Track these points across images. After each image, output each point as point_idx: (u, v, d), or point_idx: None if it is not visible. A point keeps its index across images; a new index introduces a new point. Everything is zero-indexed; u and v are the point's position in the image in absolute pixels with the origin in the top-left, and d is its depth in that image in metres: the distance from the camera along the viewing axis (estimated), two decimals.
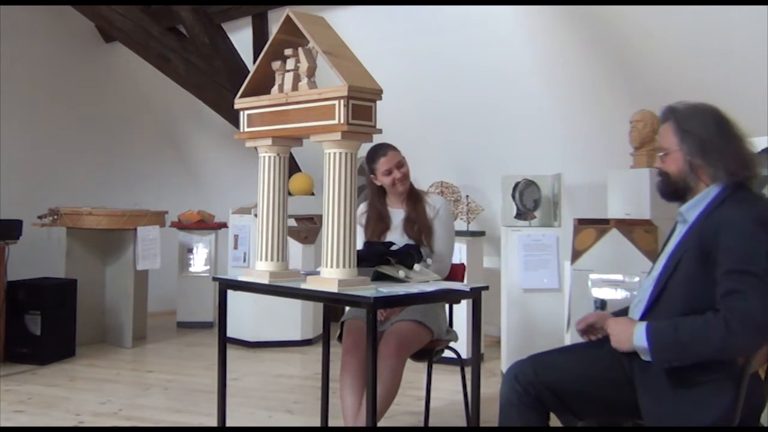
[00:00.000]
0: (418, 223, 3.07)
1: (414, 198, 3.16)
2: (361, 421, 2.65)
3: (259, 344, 5.24)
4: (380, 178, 3.12)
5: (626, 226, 3.48)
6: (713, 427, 1.94)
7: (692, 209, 2.05)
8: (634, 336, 1.95)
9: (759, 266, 1.84)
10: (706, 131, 2.02)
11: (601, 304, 3.38)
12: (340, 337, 2.98)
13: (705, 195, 2.03)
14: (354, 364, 2.78)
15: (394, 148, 3.13)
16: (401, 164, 3.11)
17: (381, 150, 3.11)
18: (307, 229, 5.43)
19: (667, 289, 2.01)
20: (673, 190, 2.09)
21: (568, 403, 2.08)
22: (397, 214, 3.15)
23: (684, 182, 2.06)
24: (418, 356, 2.97)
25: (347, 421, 2.75)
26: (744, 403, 1.91)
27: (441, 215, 3.13)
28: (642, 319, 2.05)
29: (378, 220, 3.12)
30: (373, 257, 2.62)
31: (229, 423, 2.87)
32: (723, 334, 1.82)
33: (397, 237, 3.04)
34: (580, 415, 2.14)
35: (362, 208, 3.23)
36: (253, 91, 2.63)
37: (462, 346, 4.18)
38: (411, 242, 2.96)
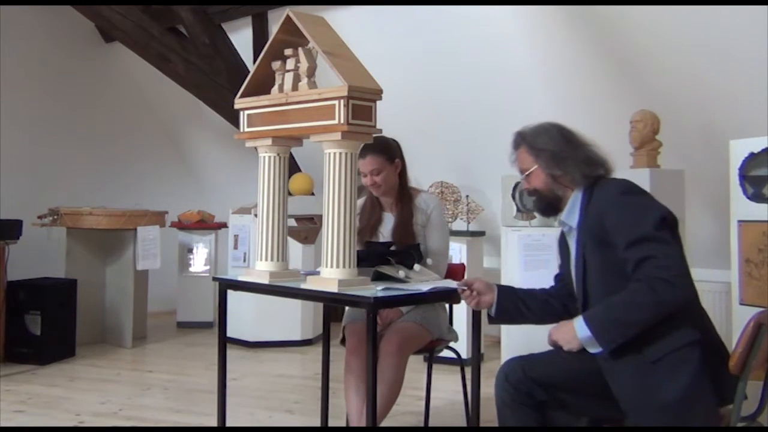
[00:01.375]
0: (405, 233, 2.97)
1: (403, 203, 3.05)
2: (365, 422, 2.65)
3: (259, 344, 5.25)
4: (362, 179, 3.02)
5: None
6: (712, 427, 1.95)
7: (571, 214, 2.24)
8: (576, 331, 2.05)
9: (646, 229, 1.99)
10: (555, 144, 2.25)
11: None
12: (342, 341, 2.98)
13: (575, 199, 2.23)
14: (358, 365, 2.77)
15: (377, 151, 2.94)
16: (377, 171, 2.97)
17: (362, 151, 2.89)
18: (307, 229, 5.43)
19: (588, 290, 2.16)
20: (547, 203, 2.30)
21: (559, 398, 2.15)
22: (388, 219, 3.09)
23: (553, 194, 2.27)
24: (417, 351, 2.95)
25: (352, 421, 2.75)
26: (710, 375, 1.95)
27: (433, 218, 3.04)
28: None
29: (367, 227, 3.06)
30: (373, 257, 2.62)
31: (229, 423, 2.87)
32: (650, 297, 1.94)
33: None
34: (573, 410, 2.19)
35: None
36: (253, 91, 2.62)
37: (462, 346, 4.17)
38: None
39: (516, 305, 2.37)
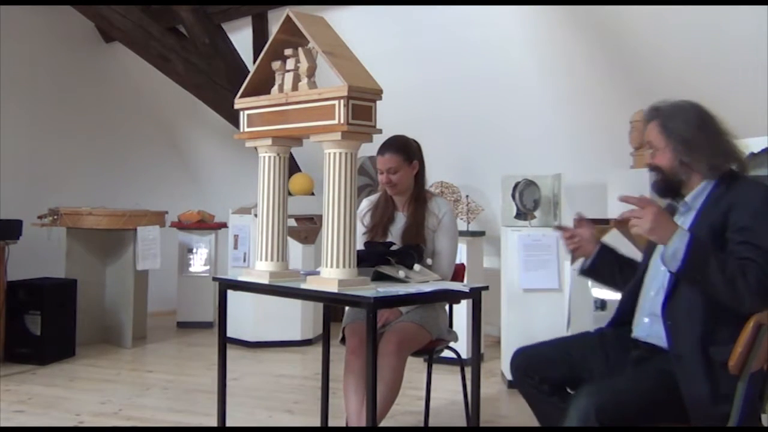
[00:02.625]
0: (416, 235, 2.97)
1: (417, 204, 3.06)
2: (365, 422, 2.65)
3: (259, 344, 5.25)
4: (378, 175, 3.09)
5: (626, 226, 3.47)
6: (711, 427, 1.95)
7: (697, 198, 2.16)
8: (676, 234, 1.97)
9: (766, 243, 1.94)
10: (690, 130, 2.13)
11: (602, 305, 3.38)
12: (342, 341, 2.98)
13: (703, 187, 2.15)
14: (358, 365, 2.77)
15: (396, 150, 3.00)
16: (394, 170, 2.99)
17: (382, 148, 3.02)
18: (307, 229, 5.43)
19: None
20: (668, 185, 2.20)
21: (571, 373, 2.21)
22: (400, 218, 3.10)
23: (677, 177, 2.17)
24: (416, 352, 2.95)
25: (351, 422, 2.75)
26: (744, 402, 1.92)
27: (444, 224, 3.04)
28: (664, 308, 2.10)
29: (378, 225, 3.07)
30: (373, 257, 2.62)
31: (229, 423, 2.87)
32: (743, 293, 1.90)
33: (395, 243, 3.02)
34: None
35: (364, 204, 3.19)
36: (253, 91, 2.62)
37: (462, 346, 4.18)
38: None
39: (611, 269, 2.40)
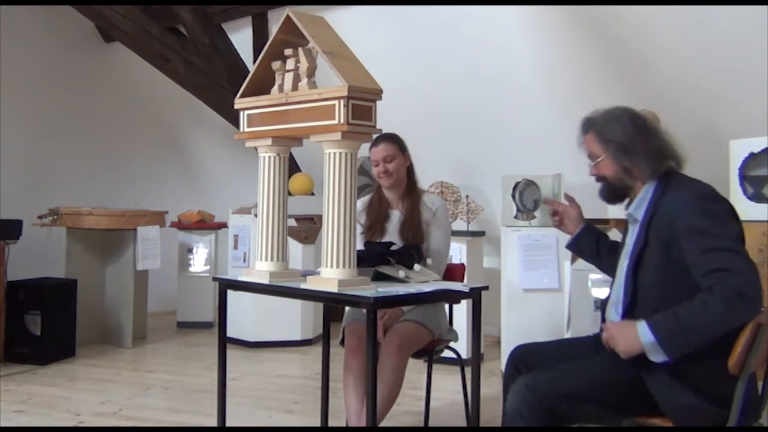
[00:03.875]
0: (413, 229, 3.02)
1: (411, 199, 3.10)
2: (364, 423, 2.65)
3: (259, 344, 5.24)
4: (373, 169, 3.11)
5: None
6: (712, 427, 1.95)
7: (638, 207, 2.18)
8: (639, 335, 1.97)
9: (727, 241, 1.94)
10: (626, 135, 2.16)
11: (602, 304, 3.38)
12: (342, 342, 2.98)
13: (645, 192, 2.17)
14: (358, 364, 2.78)
15: (391, 140, 3.07)
16: (390, 158, 3.05)
17: (375, 141, 3.05)
18: (307, 229, 5.43)
19: (638, 286, 2.10)
20: (614, 192, 2.25)
21: (585, 410, 2.06)
22: (394, 215, 3.12)
23: (622, 183, 2.21)
24: (417, 353, 2.96)
25: (350, 422, 2.74)
26: (744, 402, 1.92)
27: (438, 217, 3.09)
28: (624, 318, 2.12)
29: (375, 223, 3.09)
30: (373, 257, 2.62)
31: (229, 423, 2.87)
32: (722, 309, 1.89)
33: (393, 239, 3.02)
34: (598, 419, 2.16)
35: (357, 205, 3.20)
36: (253, 91, 2.62)
37: (462, 346, 4.18)
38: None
39: (591, 249, 2.49)
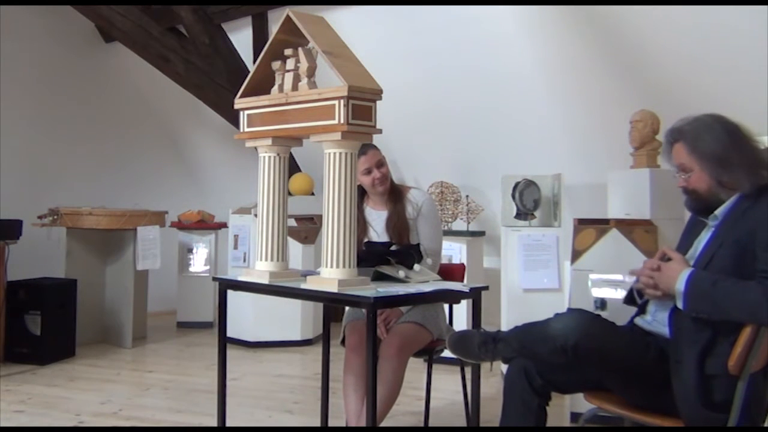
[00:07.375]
0: (398, 225, 3.02)
1: (395, 197, 3.11)
2: (364, 422, 2.65)
3: (259, 344, 5.25)
4: (360, 178, 3.07)
5: (626, 226, 3.48)
6: (722, 427, 1.95)
7: (723, 212, 2.11)
8: (678, 281, 2.00)
9: None
10: (722, 147, 2.05)
11: (602, 304, 3.38)
12: (343, 342, 2.98)
13: (734, 199, 2.09)
14: (358, 363, 2.78)
15: (374, 147, 3.08)
16: (381, 163, 3.07)
17: (361, 149, 2.99)
18: (307, 229, 5.43)
19: None
20: (705, 206, 2.13)
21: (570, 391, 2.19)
22: (380, 215, 3.11)
23: (715, 197, 2.10)
24: (417, 353, 2.96)
25: (350, 422, 2.74)
26: (748, 402, 1.92)
27: (424, 212, 3.08)
28: (671, 315, 2.10)
29: (362, 227, 3.08)
30: (373, 257, 2.62)
31: (229, 423, 2.87)
32: (759, 301, 1.88)
33: (381, 239, 3.03)
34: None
35: None
36: (253, 91, 2.62)
37: None
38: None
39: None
